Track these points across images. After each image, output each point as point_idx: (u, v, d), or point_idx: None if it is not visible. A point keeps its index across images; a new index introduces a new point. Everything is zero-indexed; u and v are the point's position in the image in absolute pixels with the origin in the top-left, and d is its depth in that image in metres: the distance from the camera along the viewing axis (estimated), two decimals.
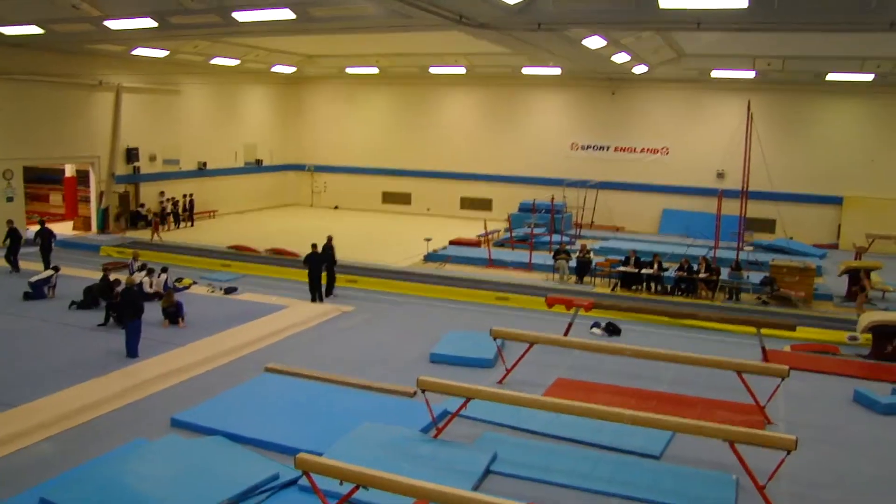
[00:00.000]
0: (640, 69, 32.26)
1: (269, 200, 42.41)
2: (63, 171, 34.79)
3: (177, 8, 20.80)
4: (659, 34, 26.28)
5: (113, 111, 32.43)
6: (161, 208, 34.42)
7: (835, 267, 26.35)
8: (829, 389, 15.20)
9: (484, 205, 39.84)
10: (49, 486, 9.68)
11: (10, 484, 10.05)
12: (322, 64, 38.64)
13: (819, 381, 15.68)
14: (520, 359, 14.96)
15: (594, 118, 38.23)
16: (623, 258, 24.66)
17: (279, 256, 26.62)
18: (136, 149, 33.58)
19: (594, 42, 24.70)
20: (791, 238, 31.46)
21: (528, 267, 26.41)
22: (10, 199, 28.39)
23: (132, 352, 15.54)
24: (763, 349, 16.56)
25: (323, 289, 21.47)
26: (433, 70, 37.32)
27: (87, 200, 33.34)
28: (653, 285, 23.72)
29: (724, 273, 23.59)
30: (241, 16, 20.96)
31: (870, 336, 17.80)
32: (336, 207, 43.02)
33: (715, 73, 33.19)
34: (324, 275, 21.52)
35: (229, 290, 21.98)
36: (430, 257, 27.75)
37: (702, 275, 23.16)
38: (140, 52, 30.60)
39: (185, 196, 35.21)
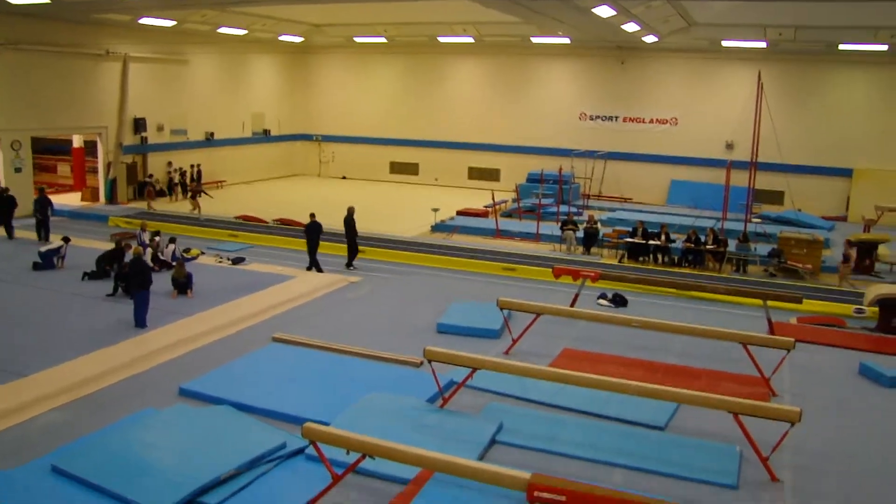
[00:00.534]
0: (650, 39, 32.04)
1: (277, 170, 42.41)
2: (71, 141, 34.73)
3: None
4: (669, 3, 26.06)
5: (120, 81, 32.28)
6: (169, 178, 34.43)
7: (843, 240, 26.25)
8: (835, 362, 15.21)
9: (492, 175, 39.73)
10: (60, 454, 9.79)
11: (21, 452, 10.16)
12: (330, 33, 38.46)
13: (825, 354, 15.69)
14: (526, 329, 15.00)
15: (603, 88, 37.99)
16: (631, 229, 24.64)
17: (287, 226, 26.67)
18: (144, 119, 33.49)
19: (604, 11, 24.50)
20: (800, 210, 31.36)
21: (536, 237, 26.43)
22: (18, 170, 28.42)
23: (140, 322, 15.62)
24: (769, 321, 16.55)
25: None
26: (441, 39, 37.14)
27: (94, 171, 33.29)
28: (660, 256, 23.73)
29: (732, 245, 23.57)
30: None
31: (876, 309, 17.80)
32: (344, 177, 42.98)
33: (725, 43, 32.89)
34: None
35: (237, 261, 22.02)
36: (438, 227, 27.78)
37: (709, 246, 23.16)
38: (147, 21, 30.36)
39: (192, 166, 35.19)
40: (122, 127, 32.43)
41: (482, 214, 30.39)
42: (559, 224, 26.15)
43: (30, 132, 29.24)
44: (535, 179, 33.33)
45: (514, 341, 14.95)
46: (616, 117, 37.76)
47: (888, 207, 30.79)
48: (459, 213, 30.29)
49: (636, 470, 10.24)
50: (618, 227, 26.52)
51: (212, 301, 17.62)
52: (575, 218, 26.79)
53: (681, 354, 15.27)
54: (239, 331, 15.92)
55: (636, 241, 23.76)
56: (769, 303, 16.86)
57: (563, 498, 7.60)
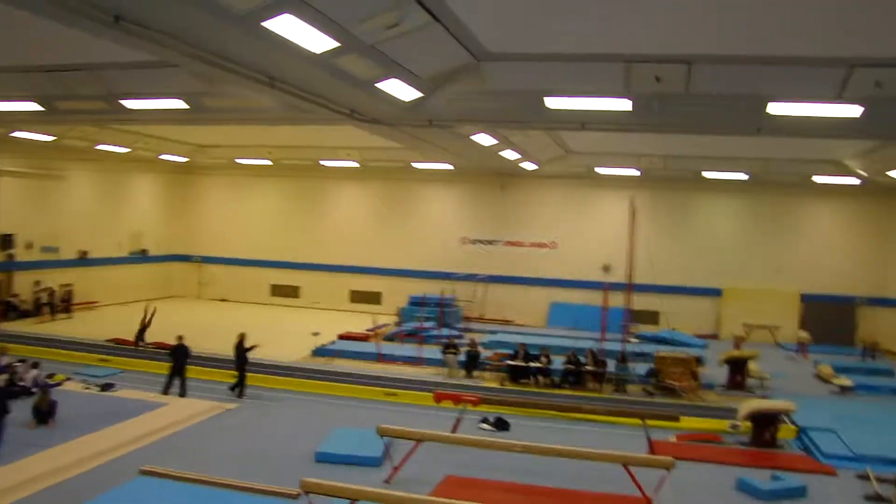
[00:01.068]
0: (529, 165, 33.13)
1: (154, 291, 41.04)
2: None
3: (65, 93, 20.33)
4: (547, 133, 27.09)
5: None
6: (35, 298, 32.90)
7: (716, 356, 27.10)
8: (714, 478, 15.46)
9: (373, 298, 39.63)
10: None
11: None
12: (213, 154, 38.33)
13: (704, 471, 15.93)
14: (407, 457, 14.68)
15: (484, 213, 38.90)
16: (513, 351, 24.77)
17: (160, 350, 25.67)
18: (11, 235, 32.16)
19: (484, 139, 25.30)
20: (674, 329, 32.34)
21: (419, 361, 26.23)
22: None
23: None
24: (649, 440, 16.74)
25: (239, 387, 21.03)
26: (325, 163, 37.46)
27: None
28: (541, 378, 23.85)
29: (611, 365, 23.96)
30: (131, 104, 20.64)
31: (750, 424, 18.29)
32: (224, 300, 42.07)
33: (600, 170, 34.35)
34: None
35: (106, 387, 20.98)
36: (319, 352, 27.24)
37: (589, 367, 23.47)
38: (21, 135, 29.31)
39: (63, 286, 33.78)
40: None
41: (364, 338, 30.07)
42: (441, 347, 26.08)
43: None
44: (416, 303, 33.37)
45: (396, 469, 14.57)
46: (497, 241, 38.55)
47: (756, 324, 32.22)
48: (341, 336, 29.86)
49: None
50: (499, 350, 26.62)
51: (75, 431, 16.53)
52: (456, 341, 26.79)
53: (564, 477, 15.16)
54: (104, 463, 14.95)
55: (517, 363, 23.88)
56: (648, 421, 17.10)
57: None
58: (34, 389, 18.83)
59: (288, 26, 11.87)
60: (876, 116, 16.61)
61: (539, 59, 15.97)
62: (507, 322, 37.00)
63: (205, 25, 11.85)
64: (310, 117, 20.79)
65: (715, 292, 35.96)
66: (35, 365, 20.36)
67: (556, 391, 23.13)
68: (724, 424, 19.36)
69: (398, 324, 31.41)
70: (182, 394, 20.45)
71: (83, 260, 36.02)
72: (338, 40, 12.82)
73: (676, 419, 17.83)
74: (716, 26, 13.98)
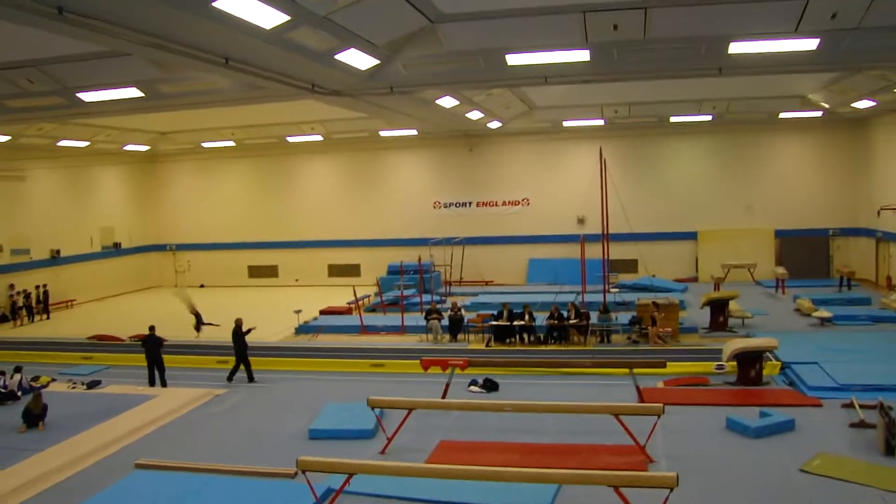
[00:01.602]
0: (494, 124, 32.99)
1: (130, 284, 40.87)
2: None
3: (16, 91, 19.90)
4: (510, 90, 26.94)
5: None
6: (11, 302, 32.52)
7: (697, 300, 27.30)
8: (703, 420, 15.59)
9: (352, 270, 39.59)
10: None
11: None
12: (176, 140, 37.85)
13: (693, 413, 16.05)
14: (400, 426, 14.66)
15: (454, 175, 38.79)
16: (496, 312, 24.80)
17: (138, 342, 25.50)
18: None
19: (447, 102, 25.13)
20: (654, 276, 32.48)
21: (402, 330, 26.24)
22: None
23: None
24: (637, 389, 16.85)
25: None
26: (290, 139, 37.11)
27: None
28: (526, 336, 23.92)
29: (594, 317, 24.06)
30: (86, 96, 20.26)
31: (735, 364, 18.45)
32: (202, 286, 41.81)
33: (566, 123, 34.27)
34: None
35: (92, 385, 20.78)
36: (302, 329, 27.19)
37: (572, 321, 23.56)
38: None
39: (38, 287, 33.43)
40: None
41: (346, 312, 30.03)
42: (423, 314, 26.07)
43: None
44: (395, 271, 33.31)
45: (389, 440, 14.57)
46: (469, 203, 38.51)
47: (733, 264, 32.46)
48: (322, 312, 29.81)
49: None
50: (482, 312, 26.66)
51: (66, 432, 16.35)
52: (438, 306, 26.79)
53: (556, 432, 15.24)
54: (98, 461, 14.82)
55: (501, 323, 23.92)
56: (635, 370, 17.21)
57: None
58: (20, 394, 18.65)
59: (237, 4, 11.66)
60: (832, 48, 16.67)
61: (495, 17, 15.81)
62: (487, 283, 37.07)
63: (153, 10, 11.58)
64: (270, 94, 20.51)
65: (691, 235, 36.17)
66: (18, 369, 20.09)
67: (542, 347, 23.25)
68: (709, 366, 19.53)
69: (378, 294, 31.34)
70: (162, 383, 20.30)
71: (56, 259, 35.67)
72: (288, 14, 12.63)
73: (664, 365, 17.95)
74: None
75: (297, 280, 40.53)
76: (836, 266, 33.95)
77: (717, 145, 36.40)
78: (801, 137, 35.56)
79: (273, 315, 29.80)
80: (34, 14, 11.13)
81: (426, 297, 29.49)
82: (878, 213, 30.49)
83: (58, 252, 35.78)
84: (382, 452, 14.37)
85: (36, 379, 21.05)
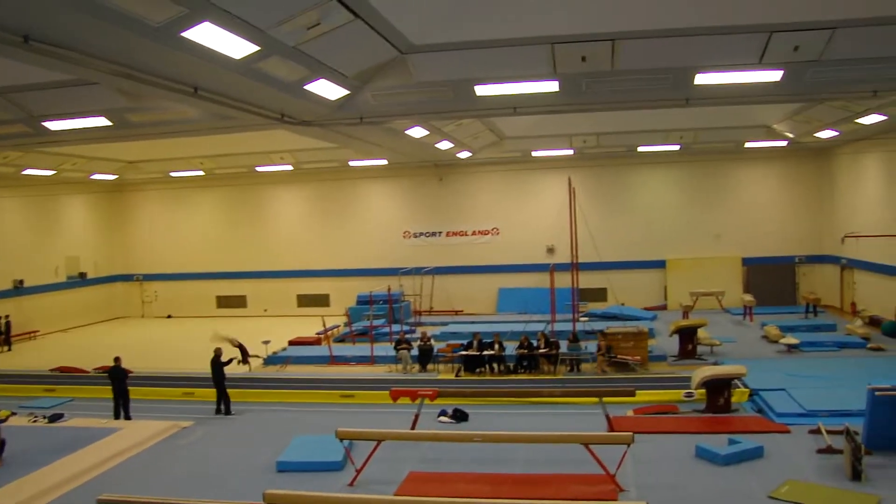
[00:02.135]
0: (464, 154, 33.13)
1: (96, 315, 40.32)
2: None
3: None
4: (479, 120, 27.09)
5: None
6: None
7: (666, 328, 27.44)
8: (673, 448, 15.61)
9: (322, 301, 39.33)
10: None
11: None
12: (145, 169, 37.52)
13: (663, 442, 16.07)
14: (368, 458, 14.52)
15: (424, 205, 38.85)
16: (466, 342, 24.76)
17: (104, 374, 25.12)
18: None
19: (417, 132, 25.20)
20: (623, 304, 32.67)
21: (371, 360, 26.10)
22: None
23: None
24: (607, 417, 16.86)
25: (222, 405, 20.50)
26: (260, 169, 36.99)
27: None
28: (496, 366, 23.88)
29: (564, 346, 24.10)
30: (53, 125, 20.08)
31: (703, 391, 18.54)
32: (169, 316, 41.40)
33: (536, 153, 34.47)
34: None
35: (54, 418, 20.39)
36: (271, 360, 26.93)
37: (542, 350, 23.58)
38: None
39: (0, 318, 32.95)
40: None
41: (315, 342, 29.83)
42: (393, 344, 25.96)
43: None
44: (364, 301, 33.14)
45: (358, 472, 14.41)
46: (439, 232, 38.57)
47: (702, 292, 32.73)
48: (291, 342, 29.60)
49: None
50: (451, 341, 26.62)
51: (25, 467, 15.94)
52: (408, 336, 26.70)
53: (527, 462, 15.19)
54: (59, 496, 14.51)
55: (470, 353, 23.88)
56: (604, 399, 17.24)
57: None
58: None
59: (206, 34, 11.65)
60: (795, 79, 17.02)
61: (465, 48, 15.93)
62: (457, 312, 37.03)
63: (120, 40, 11.52)
64: (239, 124, 20.43)
65: (659, 264, 36.44)
66: None
67: (512, 377, 23.22)
68: (678, 394, 19.61)
69: (348, 324, 31.20)
70: (126, 416, 19.99)
71: (19, 289, 35.14)
72: (258, 44, 12.63)
73: (633, 394, 17.98)
74: (638, 2, 14.11)
75: (265, 310, 40.25)
76: (803, 293, 34.34)
77: (684, 174, 36.84)
78: (767, 167, 36.08)
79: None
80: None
81: (396, 328, 29.40)
82: (842, 240, 30.95)
83: (21, 282, 35.25)
84: (351, 484, 14.21)
85: None
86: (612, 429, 16.45)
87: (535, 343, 23.93)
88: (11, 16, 10.48)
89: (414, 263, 36.50)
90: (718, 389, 18.35)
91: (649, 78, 17.40)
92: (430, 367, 24.70)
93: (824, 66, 16.23)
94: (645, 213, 36.85)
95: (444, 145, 29.29)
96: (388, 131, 23.91)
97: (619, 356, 23.29)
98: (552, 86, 17.60)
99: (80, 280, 39.40)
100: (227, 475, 15.28)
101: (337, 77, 16.22)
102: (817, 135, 28.80)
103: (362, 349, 27.42)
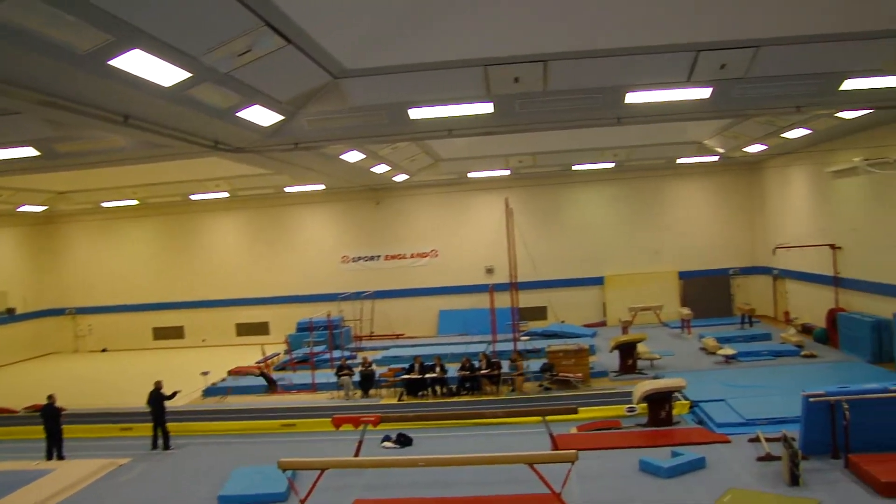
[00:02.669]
0: (400, 177, 33.11)
1: (26, 352, 39.11)
2: None
3: None
4: (415, 143, 27.12)
5: None
6: None
7: (606, 343, 27.68)
8: (617, 463, 15.72)
9: (261, 329, 38.86)
10: None
11: None
12: (76, 200, 36.65)
13: (607, 457, 16.17)
14: (312, 488, 14.29)
15: (362, 229, 38.71)
16: (408, 365, 24.65)
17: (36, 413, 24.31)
18: None
19: (352, 156, 25.11)
20: (563, 322, 32.90)
21: (313, 388, 25.80)
22: None
23: None
24: (551, 436, 16.89)
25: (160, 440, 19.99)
26: (195, 197, 36.45)
27: None
28: (438, 388, 23.81)
29: (505, 366, 24.14)
30: None
31: (645, 405, 18.74)
32: (104, 350, 40.43)
33: (472, 175, 34.63)
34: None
35: None
36: (210, 391, 26.43)
37: (483, 371, 23.58)
38: None
39: None
40: None
41: (255, 371, 29.34)
42: (334, 370, 25.71)
43: None
44: (304, 328, 32.78)
45: (302, 502, 14.18)
46: (378, 256, 38.43)
47: (640, 307, 33.16)
48: (231, 372, 29.08)
49: None
50: (393, 366, 26.48)
51: None
52: (349, 362, 26.49)
53: (472, 484, 15.13)
54: None
55: (412, 376, 23.77)
56: (548, 418, 17.28)
57: None
58: None
59: (136, 62, 11.44)
60: (723, 96, 17.42)
61: (398, 71, 15.92)
62: (398, 336, 36.89)
63: (44, 68, 11.23)
64: (172, 152, 20.11)
65: (597, 281, 36.82)
66: None
67: (455, 399, 23.16)
68: (621, 409, 19.77)
69: (288, 352, 30.84)
70: (59, 456, 19.40)
71: None
72: (189, 71, 12.45)
73: (575, 411, 18.06)
74: (568, 24, 14.28)
75: (204, 340, 39.56)
76: (738, 304, 34.99)
77: (620, 192, 37.36)
78: (700, 182, 36.82)
79: (179, 378, 28.67)
80: None
81: (337, 354, 29.14)
82: (774, 251, 31.66)
83: None
84: None
85: None
86: (555, 447, 16.47)
87: (476, 364, 23.92)
88: None
89: (353, 288, 36.32)
90: (660, 403, 18.57)
91: (581, 98, 17.61)
92: (372, 392, 24.51)
93: (750, 83, 16.66)
94: (582, 230, 37.25)
95: (381, 169, 29.24)
96: (323, 156, 23.78)
97: (560, 374, 23.42)
98: (486, 107, 17.71)
99: (8, 316, 38.06)
100: None
101: (270, 103, 16.09)
102: (746, 149, 29.52)
103: (303, 376, 27.10)
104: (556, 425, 17.78)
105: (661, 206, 37.13)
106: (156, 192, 35.15)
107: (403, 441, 18.59)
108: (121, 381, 25.72)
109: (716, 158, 32.92)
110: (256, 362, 30.19)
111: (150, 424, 20.01)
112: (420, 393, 23.73)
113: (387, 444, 18.58)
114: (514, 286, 27.08)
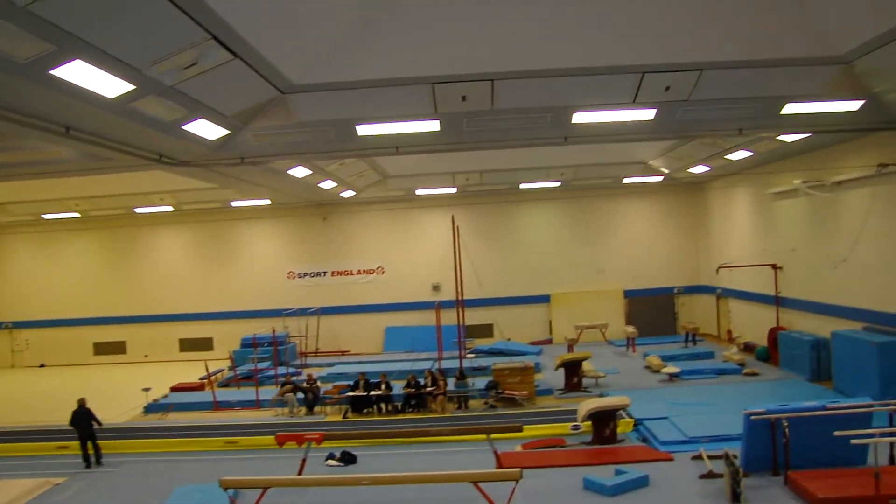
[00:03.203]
0: (347, 193, 33.02)
1: None
2: None
3: None
4: (362, 160, 27.07)
5: None
6: None
7: (552, 361, 27.81)
8: (561, 482, 15.73)
9: (205, 344, 38.24)
10: None
11: None
12: (14, 211, 35.81)
13: (551, 476, 16.18)
14: None
15: (309, 245, 38.46)
16: (353, 382, 24.49)
17: None
18: None
19: (299, 172, 24.98)
20: (509, 339, 33.00)
21: (256, 404, 25.47)
22: None
23: None
24: (496, 454, 16.89)
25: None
26: (139, 210, 35.87)
27: None
28: (384, 406, 23.68)
29: (451, 383, 24.11)
30: None
31: (590, 423, 18.84)
32: (42, 365, 39.47)
33: (419, 192, 34.66)
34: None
35: None
36: (151, 408, 25.95)
37: (429, 388, 23.52)
38: None
39: None
40: None
41: (198, 388, 28.92)
42: (278, 387, 25.42)
43: None
44: (249, 344, 32.38)
45: None
46: (324, 272, 38.19)
47: (585, 325, 33.42)
48: (173, 389, 28.59)
49: None
50: (338, 383, 26.26)
51: None
52: (294, 379, 26.22)
53: (417, 502, 15.06)
54: None
55: (357, 394, 23.62)
56: (492, 435, 17.29)
57: None
58: None
59: (78, 72, 11.26)
60: (668, 117, 17.77)
61: (346, 88, 15.90)
62: (343, 353, 36.65)
63: None
64: (116, 165, 19.81)
65: (544, 299, 37.02)
66: None
67: (400, 416, 23.06)
68: (566, 427, 19.84)
69: (232, 368, 30.44)
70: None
71: None
72: (133, 83, 12.28)
73: (520, 430, 18.08)
74: (515, 44, 14.43)
75: (146, 356, 38.84)
76: (682, 323, 35.52)
77: (566, 210, 37.71)
78: (645, 201, 37.33)
79: (120, 394, 28.36)
80: None
81: (281, 370, 28.85)
82: (717, 270, 32.17)
83: None
84: None
85: None
86: (500, 465, 16.47)
87: (422, 381, 23.86)
88: None
89: (299, 304, 36.05)
90: (604, 421, 18.67)
91: (528, 117, 17.77)
92: (316, 409, 24.29)
93: (693, 105, 16.98)
94: (528, 248, 37.47)
95: (328, 185, 29.14)
96: (269, 171, 23.62)
97: (506, 391, 23.47)
98: (433, 125, 17.77)
99: None
100: None
101: (216, 117, 15.94)
102: (691, 170, 30.04)
103: (247, 393, 26.74)
104: (501, 443, 17.78)
105: (608, 224, 37.56)
106: (98, 205, 34.54)
107: (348, 459, 18.43)
108: (58, 398, 25.05)
109: (661, 179, 33.45)
110: (200, 379, 29.70)
111: (78, 442, 19.50)
112: (365, 410, 23.58)
113: (331, 462, 18.40)
114: (460, 303, 27.13)
